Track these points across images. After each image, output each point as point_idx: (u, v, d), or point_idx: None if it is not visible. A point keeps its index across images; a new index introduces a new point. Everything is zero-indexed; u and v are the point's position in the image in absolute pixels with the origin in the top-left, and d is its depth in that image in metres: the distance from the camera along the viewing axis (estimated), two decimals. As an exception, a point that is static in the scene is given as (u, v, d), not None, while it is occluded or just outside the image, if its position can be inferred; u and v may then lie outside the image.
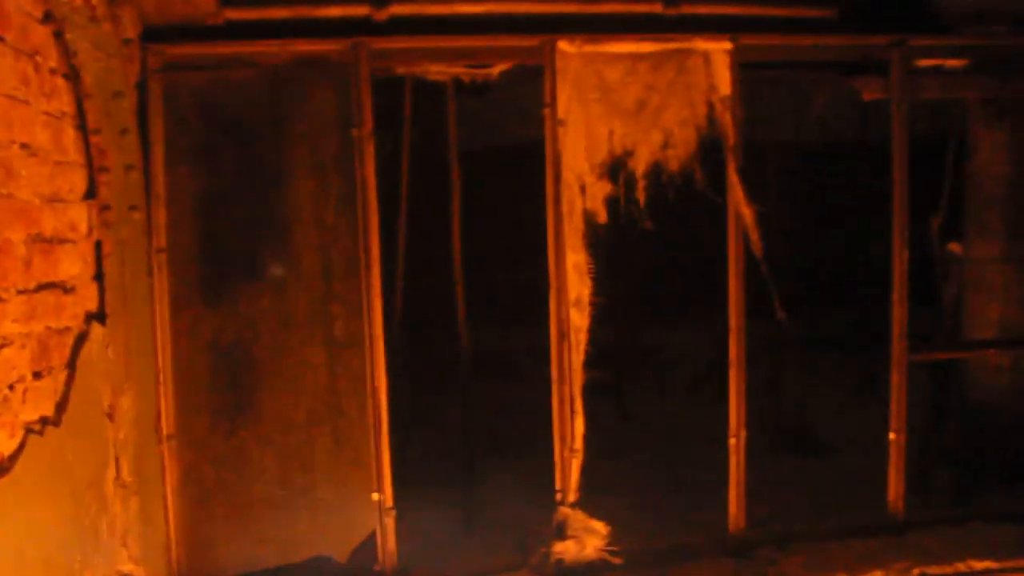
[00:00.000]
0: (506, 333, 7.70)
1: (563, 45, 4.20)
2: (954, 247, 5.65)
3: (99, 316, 3.52)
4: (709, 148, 4.37)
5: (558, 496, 4.32)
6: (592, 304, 4.27)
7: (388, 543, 4.18)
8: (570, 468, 4.29)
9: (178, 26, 3.95)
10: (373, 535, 4.17)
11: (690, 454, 5.99)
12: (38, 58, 3.00)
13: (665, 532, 4.71)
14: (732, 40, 4.32)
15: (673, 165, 4.35)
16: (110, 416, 3.57)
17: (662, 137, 4.33)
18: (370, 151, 4.11)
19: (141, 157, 3.89)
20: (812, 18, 4.50)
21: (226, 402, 4.10)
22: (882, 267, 4.65)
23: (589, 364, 4.29)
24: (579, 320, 4.27)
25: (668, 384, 7.93)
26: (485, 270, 6.19)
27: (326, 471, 4.16)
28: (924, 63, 4.72)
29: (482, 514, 5.21)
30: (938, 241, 5.73)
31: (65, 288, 3.20)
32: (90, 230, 3.48)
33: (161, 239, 3.99)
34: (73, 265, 3.29)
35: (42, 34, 3.06)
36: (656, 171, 4.35)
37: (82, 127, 3.44)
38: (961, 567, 4.26)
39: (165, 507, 4.01)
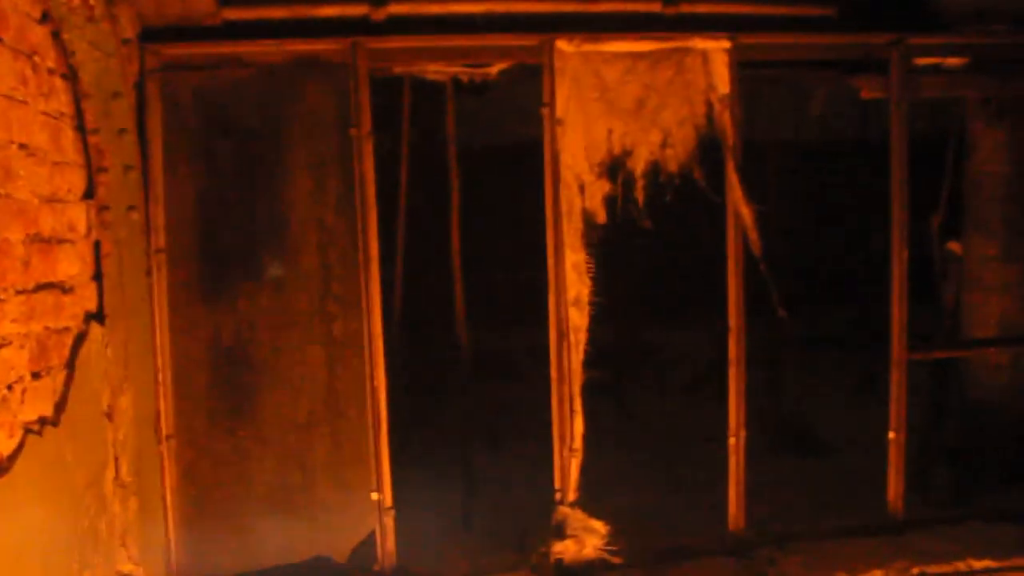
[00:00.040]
0: (505, 333, 7.69)
1: (562, 44, 4.19)
2: (953, 246, 5.65)
3: (98, 316, 3.52)
4: (708, 147, 4.36)
5: (557, 495, 4.31)
6: (591, 304, 4.27)
7: (387, 543, 4.18)
8: (569, 467, 4.29)
9: (176, 26, 3.95)
10: (372, 535, 4.17)
11: (690, 454, 5.98)
12: (36, 58, 3.00)
13: (664, 532, 4.71)
14: (731, 39, 4.32)
15: (672, 164, 4.35)
16: (109, 416, 3.57)
17: (661, 136, 4.33)
18: (368, 151, 4.10)
19: (139, 157, 3.89)
20: (811, 17, 4.49)
21: (225, 402, 4.10)
22: (882, 266, 4.65)
23: (588, 364, 4.29)
24: (578, 320, 4.27)
25: (667, 384, 7.93)
26: (484, 269, 6.19)
27: (325, 471, 4.15)
28: (923, 62, 4.72)
29: (481, 513, 5.21)
30: (938, 240, 5.73)
31: (64, 288, 3.20)
32: (89, 230, 3.48)
33: (160, 239, 3.99)
34: (72, 265, 3.29)
35: (40, 34, 3.06)
36: (655, 170, 4.34)
37: (80, 127, 3.45)
38: (961, 566, 4.26)
39: (164, 507, 4.01)
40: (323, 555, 4.14)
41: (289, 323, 4.12)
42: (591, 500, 4.33)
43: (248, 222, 4.09)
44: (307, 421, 4.14)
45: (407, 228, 5.59)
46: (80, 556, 3.19)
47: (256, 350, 4.10)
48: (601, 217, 4.28)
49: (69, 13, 3.21)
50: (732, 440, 4.45)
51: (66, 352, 3.20)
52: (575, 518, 4.27)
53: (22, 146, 2.86)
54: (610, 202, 4.31)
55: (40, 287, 2.99)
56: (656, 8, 4.31)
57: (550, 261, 4.27)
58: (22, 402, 2.79)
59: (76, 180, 3.40)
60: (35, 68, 2.99)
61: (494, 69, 4.41)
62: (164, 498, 4.01)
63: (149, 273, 3.94)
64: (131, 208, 3.80)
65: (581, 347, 4.27)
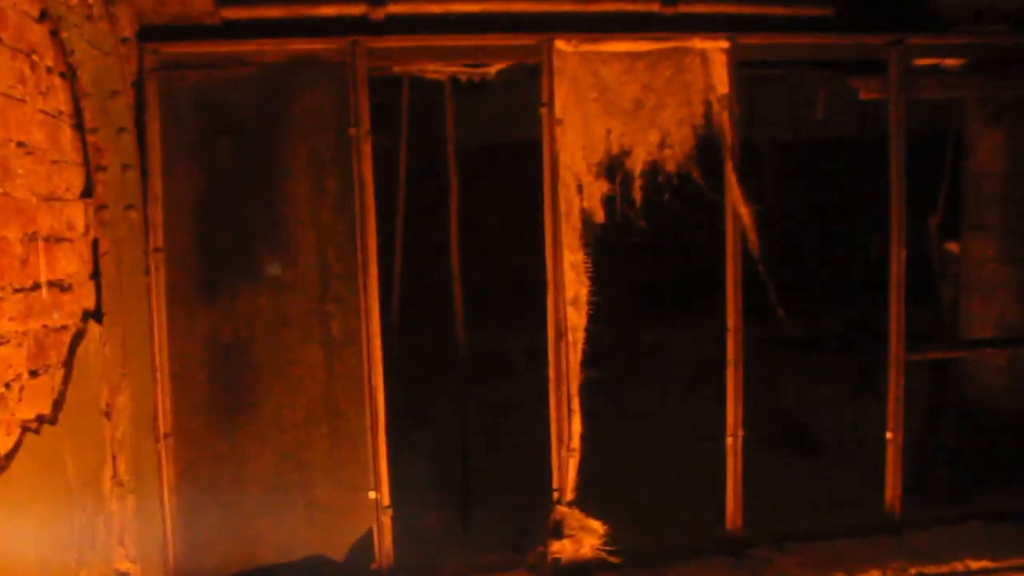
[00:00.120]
0: (503, 332, 7.70)
1: (560, 44, 4.20)
2: (952, 246, 5.66)
3: (96, 315, 3.52)
4: (706, 147, 4.37)
5: (555, 495, 4.31)
6: (589, 303, 4.26)
7: (385, 542, 4.18)
8: (567, 467, 4.29)
9: (175, 25, 3.95)
10: (370, 534, 4.18)
11: (688, 453, 5.99)
12: (34, 56, 3.00)
13: (662, 531, 4.71)
14: (729, 39, 4.32)
15: (670, 164, 4.35)
16: (107, 414, 3.57)
17: (659, 136, 4.33)
18: (367, 150, 4.11)
19: (138, 156, 3.89)
20: (810, 17, 4.49)
21: (223, 401, 4.10)
22: (880, 266, 4.65)
23: (586, 363, 4.29)
24: (576, 319, 4.27)
25: (666, 383, 7.93)
26: (483, 269, 6.19)
27: (323, 470, 4.16)
28: (922, 62, 4.73)
29: (479, 513, 5.22)
30: (936, 240, 5.74)
31: (62, 287, 3.20)
32: (87, 229, 3.49)
33: (158, 238, 3.99)
34: (70, 264, 3.29)
35: (38, 32, 3.06)
36: (653, 170, 4.34)
37: (79, 126, 3.45)
38: (958, 566, 4.26)
39: (162, 506, 4.01)
40: (321, 554, 4.14)
41: (287, 322, 4.12)
42: (589, 499, 4.33)
43: (246, 221, 4.09)
44: (305, 420, 4.14)
45: (406, 227, 5.60)
46: (78, 554, 3.19)
47: (254, 349, 4.10)
48: (599, 217, 4.28)
49: (68, 12, 3.21)
50: (730, 440, 4.45)
51: (64, 350, 3.21)
52: (573, 517, 4.27)
53: (20, 144, 2.86)
54: (608, 202, 4.31)
55: (38, 285, 2.99)
56: (655, 8, 4.31)
57: (548, 261, 4.27)
58: (20, 400, 2.79)
59: (74, 179, 3.40)
60: (33, 66, 2.99)
61: (493, 69, 4.41)
62: (162, 497, 4.01)
63: (147, 272, 3.94)
64: (129, 207, 3.80)
65: (579, 347, 4.27)
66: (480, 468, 5.67)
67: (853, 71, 4.75)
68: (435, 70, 4.47)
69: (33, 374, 2.91)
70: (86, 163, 3.51)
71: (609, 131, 4.29)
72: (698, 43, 4.31)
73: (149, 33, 3.92)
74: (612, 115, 4.28)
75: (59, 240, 3.19)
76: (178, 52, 3.98)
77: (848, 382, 7.43)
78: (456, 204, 5.37)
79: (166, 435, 4.02)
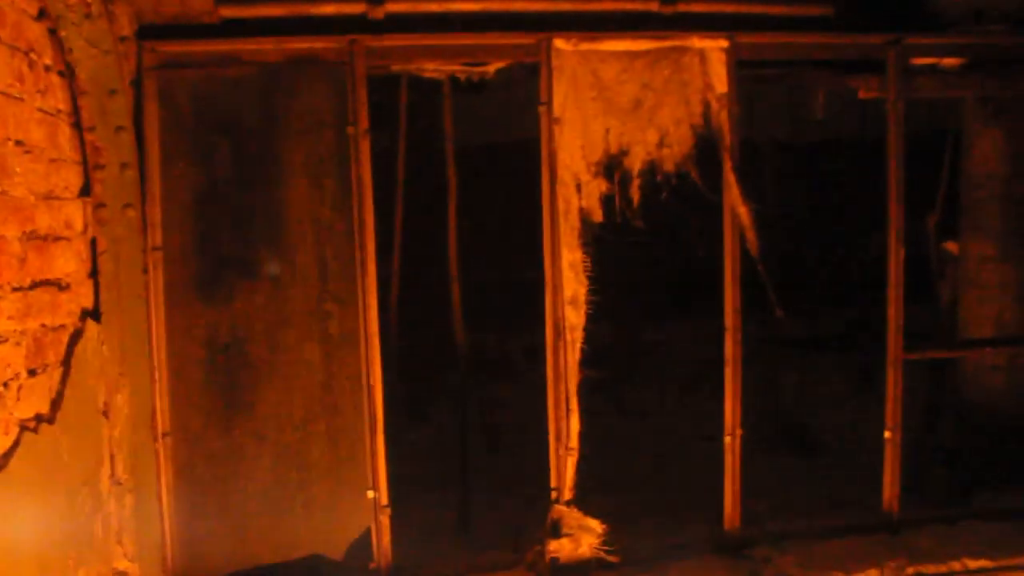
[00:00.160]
0: (502, 331, 7.70)
1: (559, 43, 4.19)
2: (950, 246, 5.66)
3: (94, 313, 3.52)
4: (705, 147, 4.36)
5: (554, 494, 4.31)
6: (588, 302, 4.26)
7: (383, 541, 4.18)
8: (565, 466, 4.29)
9: (173, 24, 3.95)
10: (368, 533, 4.17)
11: (686, 452, 6.00)
12: (33, 55, 3.00)
13: (661, 530, 4.72)
14: (728, 38, 4.32)
15: (669, 164, 4.34)
16: (105, 413, 3.57)
17: (658, 135, 4.33)
18: (366, 149, 4.10)
19: (136, 155, 3.88)
20: (809, 16, 4.49)
21: (221, 399, 4.10)
22: (879, 265, 4.65)
23: (585, 362, 4.29)
24: (575, 318, 4.26)
25: (664, 382, 7.94)
26: (481, 268, 6.20)
27: (321, 469, 4.15)
28: (921, 62, 4.73)
29: (477, 512, 5.22)
30: (934, 240, 5.74)
31: (60, 285, 3.20)
32: (85, 227, 3.48)
33: (156, 237, 3.98)
34: (68, 262, 3.29)
35: (37, 31, 3.06)
36: (652, 170, 4.34)
37: (77, 124, 3.45)
38: (956, 565, 4.27)
39: (160, 505, 4.01)
40: (319, 553, 4.14)
41: (285, 321, 4.12)
42: (587, 498, 4.33)
43: (245, 220, 4.09)
44: (303, 419, 4.14)
45: (404, 226, 5.60)
46: (76, 553, 3.19)
47: (253, 348, 4.10)
48: (598, 216, 4.28)
49: (66, 10, 3.21)
50: (728, 439, 4.45)
51: (62, 349, 3.20)
52: (571, 516, 4.27)
53: (19, 143, 2.86)
54: (607, 201, 4.30)
55: (36, 284, 2.99)
56: (653, 7, 4.30)
57: (547, 260, 4.27)
58: (18, 399, 2.79)
59: (72, 177, 3.40)
60: (32, 65, 2.99)
61: (491, 68, 4.41)
62: (160, 496, 4.01)
63: (145, 271, 3.94)
64: (127, 206, 3.80)
65: (577, 346, 4.27)
66: (479, 467, 5.68)
67: (852, 70, 4.75)
68: (434, 69, 4.47)
69: (31, 373, 2.91)
70: (84, 162, 3.51)
71: (608, 130, 4.28)
72: (697, 42, 4.31)
73: (148, 32, 3.92)
74: (611, 114, 4.28)
75: (57, 239, 3.19)
76: (177, 51, 3.97)
77: (847, 382, 7.44)
78: (455, 203, 5.37)
79: (164, 434, 4.02)
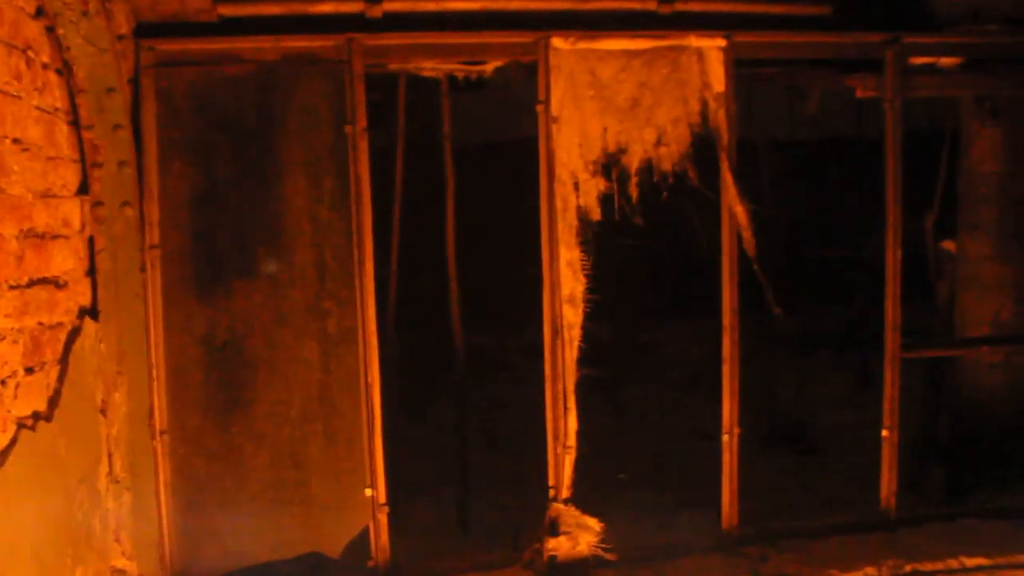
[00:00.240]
0: (500, 330, 7.71)
1: (557, 42, 4.19)
2: (948, 245, 5.66)
3: (92, 312, 3.52)
4: (703, 146, 4.37)
5: (551, 492, 4.32)
6: (586, 301, 4.26)
7: (381, 539, 4.18)
8: (563, 464, 4.29)
9: (171, 22, 3.95)
10: (366, 531, 4.18)
11: (684, 450, 6.00)
12: (30, 53, 3.00)
13: (659, 528, 4.72)
14: (726, 37, 4.32)
15: (666, 163, 4.35)
16: (103, 411, 3.57)
17: (656, 134, 4.33)
18: (364, 147, 4.10)
19: (134, 153, 3.89)
20: (807, 15, 4.49)
21: (219, 398, 4.10)
22: (877, 264, 4.65)
23: (583, 361, 4.29)
24: (573, 317, 4.27)
25: (662, 380, 7.95)
26: (479, 266, 6.20)
27: (319, 467, 4.16)
28: (918, 61, 4.73)
29: (476, 510, 5.22)
30: (932, 239, 5.74)
31: (58, 284, 3.20)
32: (83, 226, 3.49)
33: (154, 235, 3.98)
34: (66, 261, 3.29)
35: (34, 29, 3.06)
36: (649, 168, 4.34)
37: (75, 123, 3.45)
38: (953, 563, 4.27)
39: (158, 503, 4.01)
40: (317, 551, 4.14)
41: (283, 319, 4.12)
42: (585, 497, 4.34)
43: (243, 218, 4.09)
44: (301, 417, 4.14)
45: (402, 224, 5.59)
46: (74, 551, 3.20)
47: (250, 346, 4.10)
48: (596, 214, 4.28)
49: (64, 8, 3.21)
50: (726, 437, 4.45)
51: (60, 347, 3.21)
52: (569, 515, 4.27)
53: (16, 141, 2.86)
54: (605, 200, 4.31)
55: (34, 282, 2.99)
56: (652, 6, 4.31)
57: (545, 258, 4.27)
58: (15, 397, 2.80)
59: (70, 175, 3.40)
60: (29, 63, 2.99)
61: (490, 66, 4.41)
62: (158, 494, 4.01)
63: (143, 269, 3.94)
64: (125, 204, 3.80)
65: (575, 344, 4.27)
66: (477, 465, 5.68)
67: (850, 70, 4.75)
68: (432, 68, 4.47)
69: (29, 371, 2.92)
70: (82, 160, 3.51)
71: (605, 129, 4.29)
72: (695, 41, 4.31)
73: (145, 30, 3.92)
74: (608, 113, 4.28)
75: (55, 237, 3.19)
76: (174, 49, 3.97)
77: (845, 381, 7.45)
78: (453, 202, 5.37)
79: (162, 432, 4.02)
